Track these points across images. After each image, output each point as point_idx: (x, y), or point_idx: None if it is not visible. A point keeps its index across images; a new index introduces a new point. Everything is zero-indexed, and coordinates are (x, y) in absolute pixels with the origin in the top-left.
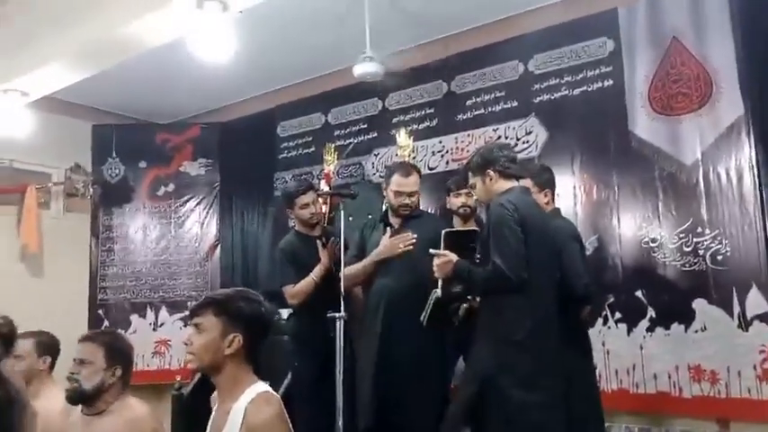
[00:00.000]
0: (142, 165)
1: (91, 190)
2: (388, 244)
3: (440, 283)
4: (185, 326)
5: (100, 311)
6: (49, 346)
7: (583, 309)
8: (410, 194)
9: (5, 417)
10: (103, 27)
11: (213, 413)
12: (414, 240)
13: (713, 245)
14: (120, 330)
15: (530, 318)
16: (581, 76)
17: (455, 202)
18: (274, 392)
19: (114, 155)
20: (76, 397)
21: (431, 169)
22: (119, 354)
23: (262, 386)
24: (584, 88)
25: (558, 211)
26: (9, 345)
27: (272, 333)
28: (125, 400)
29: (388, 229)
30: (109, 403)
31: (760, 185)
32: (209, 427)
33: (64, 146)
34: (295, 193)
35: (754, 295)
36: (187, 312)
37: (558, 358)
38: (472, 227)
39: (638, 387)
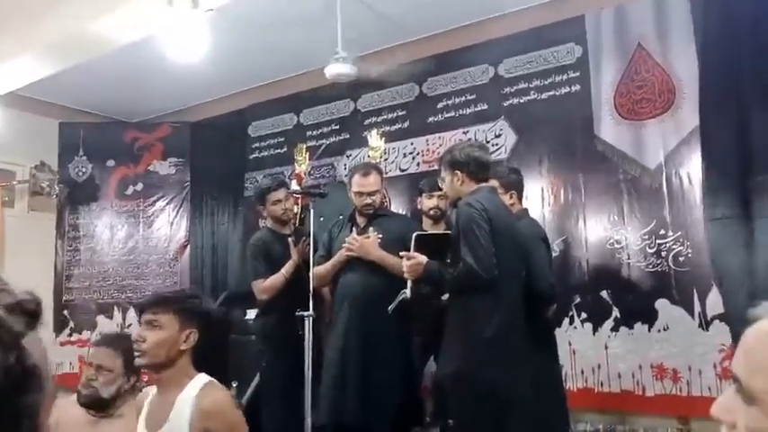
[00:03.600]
0: (110, 164)
1: (57, 189)
2: (360, 244)
3: (409, 283)
4: None
5: (65, 312)
6: None
7: (548, 308)
8: (370, 194)
9: (20, 391)
10: (71, 22)
11: (148, 407)
12: (378, 239)
13: (675, 246)
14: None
15: (497, 316)
16: (549, 80)
17: (427, 203)
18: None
19: (81, 153)
20: (92, 403)
21: (402, 171)
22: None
23: (205, 377)
24: (553, 93)
25: (525, 211)
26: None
27: (238, 333)
28: (132, 405)
29: (354, 228)
30: (118, 407)
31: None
32: (143, 421)
33: (29, 143)
34: (267, 190)
35: (714, 296)
36: None
37: (525, 355)
38: (441, 229)
39: (602, 386)
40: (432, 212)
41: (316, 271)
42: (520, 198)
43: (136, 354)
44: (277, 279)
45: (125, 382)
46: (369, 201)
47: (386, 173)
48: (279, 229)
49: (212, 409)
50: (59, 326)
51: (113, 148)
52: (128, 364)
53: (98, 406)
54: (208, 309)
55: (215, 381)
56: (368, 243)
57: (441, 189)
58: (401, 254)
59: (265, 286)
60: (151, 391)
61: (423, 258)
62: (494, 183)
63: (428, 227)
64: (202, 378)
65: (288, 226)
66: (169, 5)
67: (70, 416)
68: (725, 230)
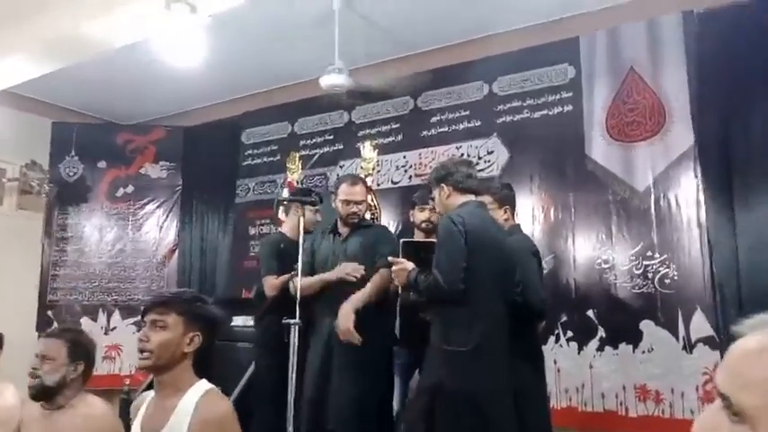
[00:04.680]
0: (101, 165)
1: (46, 188)
2: (339, 269)
3: (399, 290)
4: (139, 330)
5: (49, 312)
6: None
7: (538, 323)
8: (357, 203)
9: None
10: (68, 23)
11: (145, 409)
12: (362, 272)
13: (662, 269)
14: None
15: (478, 329)
16: (542, 99)
17: (419, 216)
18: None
19: (73, 153)
20: (38, 393)
21: (394, 183)
22: (82, 350)
23: (206, 383)
24: (545, 112)
25: (518, 227)
26: None
27: (224, 339)
28: (85, 396)
29: (336, 237)
30: (68, 398)
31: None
32: (138, 424)
33: (21, 142)
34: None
35: (698, 319)
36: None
37: (507, 370)
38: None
39: (586, 405)
40: (424, 225)
41: (303, 282)
42: (513, 213)
43: (140, 355)
44: (287, 279)
45: (71, 370)
46: (355, 209)
47: (378, 185)
48: (294, 236)
49: (213, 418)
50: (43, 326)
51: (105, 149)
52: (73, 352)
53: (44, 395)
54: (213, 313)
55: (216, 388)
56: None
57: (432, 203)
58: (389, 259)
59: (276, 283)
60: (147, 396)
61: (409, 265)
62: (486, 198)
63: (419, 239)
64: (203, 384)
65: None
66: (167, 9)
67: (27, 413)
68: (725, 252)
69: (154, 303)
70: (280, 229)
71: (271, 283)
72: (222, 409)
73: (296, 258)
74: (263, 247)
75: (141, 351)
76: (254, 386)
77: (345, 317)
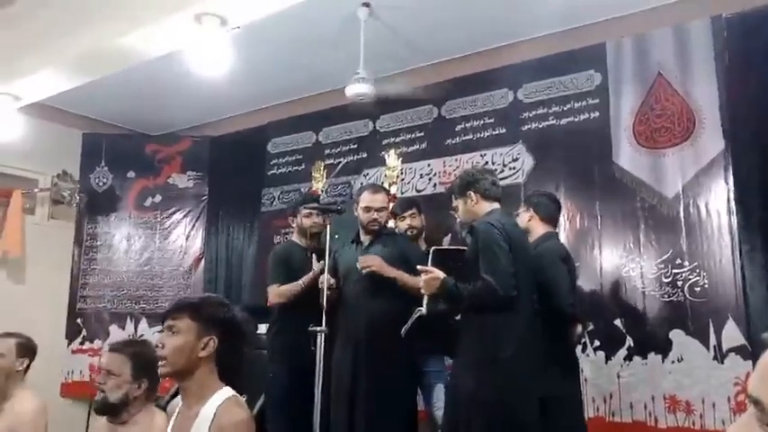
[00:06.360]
0: (130, 175)
1: (77, 198)
2: (380, 262)
3: (425, 300)
4: None
5: (78, 320)
6: (28, 349)
7: (573, 328)
8: (378, 210)
9: None
10: (101, 36)
11: (175, 418)
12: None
13: (691, 277)
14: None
15: (515, 336)
16: (568, 106)
17: (401, 225)
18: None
19: (103, 164)
20: (102, 408)
21: (418, 191)
22: (146, 366)
23: (229, 391)
24: (571, 119)
25: (555, 234)
26: None
27: (250, 347)
28: (149, 411)
29: (358, 246)
30: (132, 414)
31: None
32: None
33: (52, 153)
34: (301, 201)
35: (729, 328)
36: None
37: (541, 377)
38: (422, 248)
39: (614, 415)
40: (408, 232)
41: (285, 288)
42: (542, 218)
43: (159, 362)
44: (294, 286)
45: (135, 388)
46: (376, 216)
47: (402, 193)
48: (303, 243)
49: (228, 425)
50: (72, 334)
51: (134, 159)
52: (137, 369)
53: (109, 411)
54: (227, 316)
55: (238, 396)
56: (384, 264)
57: (411, 209)
58: (418, 268)
59: (281, 291)
60: (179, 403)
61: (440, 273)
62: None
63: None
64: (226, 392)
65: (314, 241)
66: (197, 23)
67: (98, 425)
68: (755, 263)
69: (169, 310)
70: (290, 236)
71: (274, 291)
72: (238, 416)
73: (305, 266)
74: (271, 257)
75: (159, 358)
76: (266, 394)
77: (386, 266)
